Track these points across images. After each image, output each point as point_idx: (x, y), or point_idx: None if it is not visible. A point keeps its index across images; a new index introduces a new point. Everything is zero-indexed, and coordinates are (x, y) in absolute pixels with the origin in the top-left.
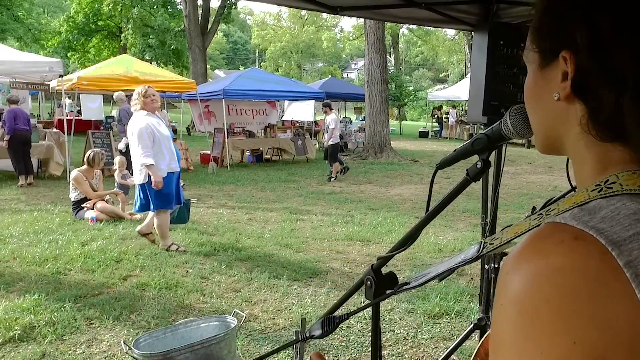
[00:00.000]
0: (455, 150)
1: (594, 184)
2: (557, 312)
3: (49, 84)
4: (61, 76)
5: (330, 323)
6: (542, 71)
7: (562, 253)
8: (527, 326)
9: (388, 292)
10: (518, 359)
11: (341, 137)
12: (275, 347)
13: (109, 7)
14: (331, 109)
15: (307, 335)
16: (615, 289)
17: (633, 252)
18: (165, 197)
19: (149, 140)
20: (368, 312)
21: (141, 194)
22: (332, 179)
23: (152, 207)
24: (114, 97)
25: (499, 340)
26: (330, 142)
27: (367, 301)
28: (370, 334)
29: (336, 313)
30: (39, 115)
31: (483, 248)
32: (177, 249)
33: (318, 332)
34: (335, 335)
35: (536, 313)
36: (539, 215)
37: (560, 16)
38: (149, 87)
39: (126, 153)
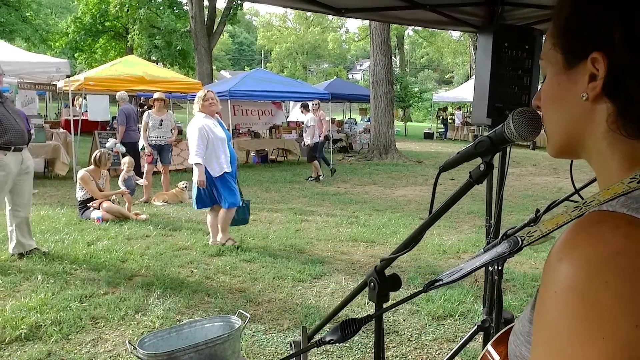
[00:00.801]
0: (458, 153)
1: (628, 177)
2: (618, 295)
3: (56, 85)
4: (68, 77)
5: (349, 326)
6: (567, 72)
7: (620, 236)
8: (587, 311)
9: (420, 291)
10: (579, 346)
11: (326, 137)
12: (284, 353)
13: (116, 8)
14: (308, 110)
15: (326, 339)
16: None
17: None
18: (233, 193)
19: (202, 141)
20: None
21: (201, 192)
22: (309, 179)
23: (225, 204)
24: (117, 96)
25: (552, 329)
26: (312, 141)
27: (401, 297)
28: (374, 334)
29: (340, 314)
30: (46, 116)
31: (523, 241)
32: (233, 243)
33: (337, 336)
34: None
35: (596, 297)
36: (576, 207)
37: (592, 15)
38: (208, 91)
39: (131, 154)
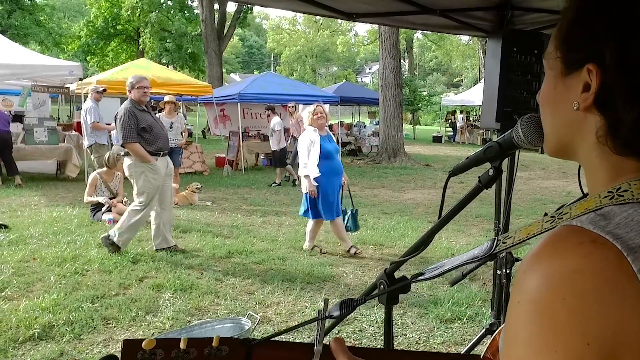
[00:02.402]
0: (467, 158)
1: (606, 190)
2: (573, 312)
3: (68, 87)
4: (81, 79)
5: (348, 305)
6: (563, 79)
7: (581, 255)
8: (543, 324)
9: (405, 281)
10: (533, 356)
11: (266, 137)
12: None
13: (128, 11)
14: (274, 112)
15: (327, 314)
16: (629, 293)
17: None
18: (327, 207)
19: (307, 154)
20: (381, 316)
21: (306, 202)
22: (274, 185)
23: (323, 215)
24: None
25: (513, 337)
26: (278, 147)
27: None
28: (382, 337)
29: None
30: (59, 118)
31: (496, 245)
32: (355, 252)
33: (336, 313)
34: (348, 339)
35: (553, 312)
36: (551, 218)
37: (592, 30)
38: (317, 105)
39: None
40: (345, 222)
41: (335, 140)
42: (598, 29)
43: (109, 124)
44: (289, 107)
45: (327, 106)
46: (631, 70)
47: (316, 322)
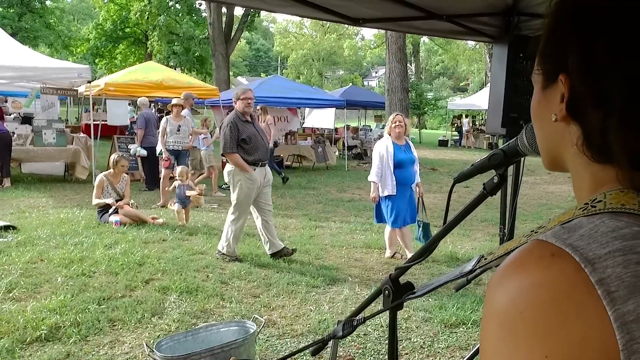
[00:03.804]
0: (472, 165)
1: (583, 202)
2: (531, 326)
3: (77, 90)
4: (89, 82)
5: (349, 325)
6: (544, 92)
7: (539, 269)
8: (504, 338)
9: (397, 300)
10: None
11: (275, 143)
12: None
13: (137, 15)
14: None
15: (331, 335)
16: (587, 305)
17: (607, 270)
18: (393, 216)
19: (379, 162)
20: (386, 320)
21: (375, 208)
22: None
23: (387, 221)
24: (138, 102)
25: (482, 351)
26: None
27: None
28: (386, 341)
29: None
30: (67, 120)
31: (478, 262)
32: (401, 257)
33: (340, 334)
34: (353, 343)
35: (512, 326)
36: (531, 232)
37: (560, 40)
38: (397, 114)
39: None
40: (417, 234)
41: (413, 149)
42: (564, 39)
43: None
44: (257, 109)
45: (333, 110)
46: (594, 74)
47: (328, 343)
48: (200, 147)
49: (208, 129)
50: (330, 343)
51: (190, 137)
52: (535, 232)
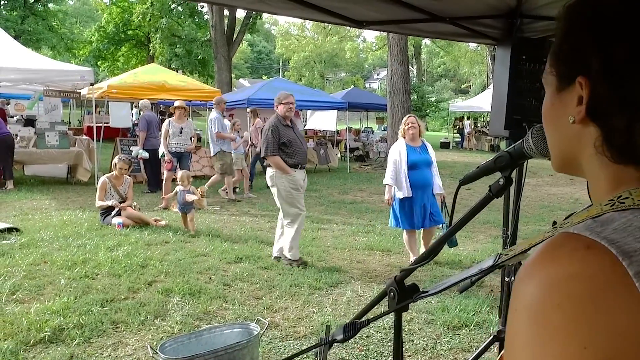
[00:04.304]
0: (478, 167)
1: (607, 199)
2: (568, 317)
3: (80, 92)
4: (92, 84)
5: (352, 328)
6: (559, 94)
7: (575, 261)
8: (539, 331)
9: (407, 300)
10: None
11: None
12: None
13: (139, 17)
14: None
15: (330, 339)
16: (624, 297)
17: None
18: (405, 219)
19: (392, 165)
20: (388, 322)
21: (391, 211)
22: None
23: (400, 223)
24: (139, 104)
25: (511, 344)
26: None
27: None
28: (389, 344)
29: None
30: (70, 122)
31: (498, 258)
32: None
33: (340, 337)
34: (355, 345)
35: (548, 318)
36: (553, 228)
37: (579, 43)
38: (409, 116)
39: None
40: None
41: (430, 151)
42: (584, 42)
43: (219, 132)
44: (247, 111)
45: (335, 112)
46: (617, 78)
47: (319, 347)
48: (230, 151)
49: (238, 132)
50: (323, 349)
51: (192, 139)
52: (560, 227)
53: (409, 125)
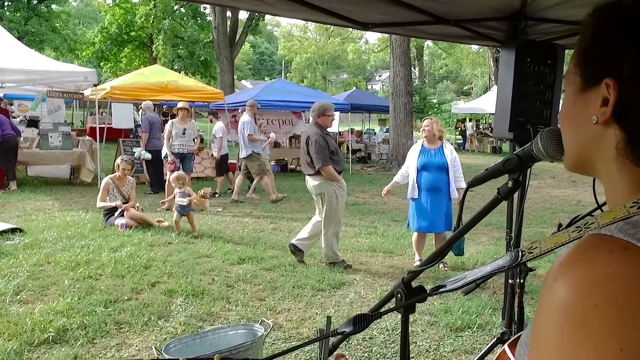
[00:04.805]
0: (486, 170)
1: (631, 201)
2: (605, 318)
3: (83, 93)
4: (95, 85)
5: (362, 320)
6: (582, 94)
7: (612, 262)
8: (574, 331)
9: (409, 300)
10: None
11: (277, 144)
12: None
13: (142, 18)
14: (217, 118)
15: (338, 331)
16: None
17: None
18: (415, 218)
19: (406, 164)
20: (391, 324)
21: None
22: (216, 195)
23: (410, 224)
24: (142, 105)
25: (542, 345)
26: (219, 154)
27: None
28: (392, 345)
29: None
30: (72, 123)
31: (522, 256)
32: (442, 267)
33: (349, 329)
34: (358, 346)
35: (584, 319)
36: (577, 228)
37: (611, 45)
38: (425, 118)
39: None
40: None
41: (447, 153)
42: (617, 44)
43: (250, 135)
44: (239, 111)
45: (337, 113)
46: None
47: (320, 340)
48: (261, 152)
49: (265, 134)
50: (324, 341)
51: (195, 140)
52: (586, 227)
53: (424, 128)
